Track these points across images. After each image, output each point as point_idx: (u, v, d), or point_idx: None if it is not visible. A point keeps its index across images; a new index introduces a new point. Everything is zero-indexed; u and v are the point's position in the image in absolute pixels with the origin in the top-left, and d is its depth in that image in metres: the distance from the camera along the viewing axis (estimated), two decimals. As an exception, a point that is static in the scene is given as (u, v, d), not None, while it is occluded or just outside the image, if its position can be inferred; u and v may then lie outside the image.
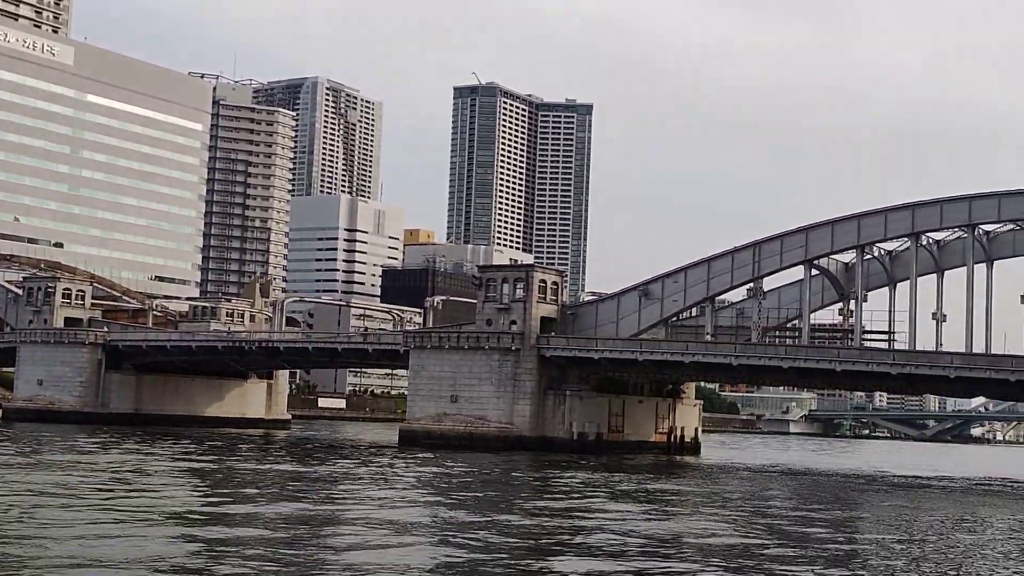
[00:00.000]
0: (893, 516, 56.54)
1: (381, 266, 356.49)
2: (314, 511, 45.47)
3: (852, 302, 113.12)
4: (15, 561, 29.26)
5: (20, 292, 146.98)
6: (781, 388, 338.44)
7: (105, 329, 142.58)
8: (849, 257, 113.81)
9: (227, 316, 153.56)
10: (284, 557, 31.84)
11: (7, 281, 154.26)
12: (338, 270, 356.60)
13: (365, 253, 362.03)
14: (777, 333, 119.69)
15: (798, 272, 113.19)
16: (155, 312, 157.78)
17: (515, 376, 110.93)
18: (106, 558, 30.64)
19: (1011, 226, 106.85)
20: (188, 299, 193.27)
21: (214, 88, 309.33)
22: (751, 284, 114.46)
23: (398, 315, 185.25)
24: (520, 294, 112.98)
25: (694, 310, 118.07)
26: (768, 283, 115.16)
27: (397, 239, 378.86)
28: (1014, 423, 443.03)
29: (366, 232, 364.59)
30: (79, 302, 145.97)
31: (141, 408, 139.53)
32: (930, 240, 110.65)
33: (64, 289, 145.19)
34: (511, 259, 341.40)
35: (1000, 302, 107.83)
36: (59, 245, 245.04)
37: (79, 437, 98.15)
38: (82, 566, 29.28)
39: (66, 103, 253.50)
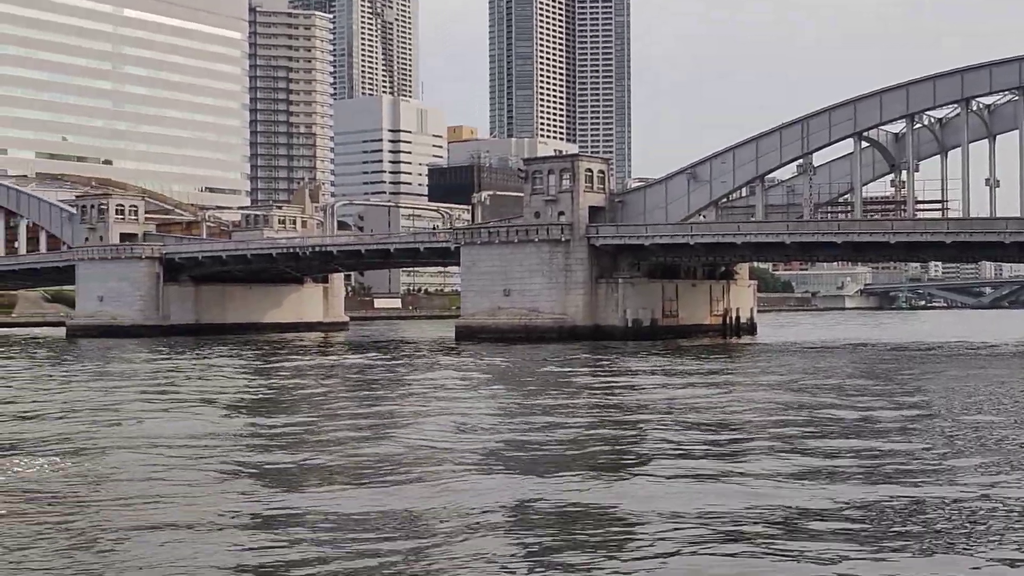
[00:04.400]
0: (954, 382, 56.72)
1: (426, 165, 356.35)
2: (380, 402, 46.27)
3: (904, 173, 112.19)
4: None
5: (74, 211, 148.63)
6: (835, 264, 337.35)
7: (160, 243, 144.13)
8: (899, 127, 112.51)
9: (279, 223, 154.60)
10: (355, 451, 32.63)
11: (60, 200, 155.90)
12: (384, 171, 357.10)
13: (410, 153, 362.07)
14: (829, 208, 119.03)
15: (848, 146, 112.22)
16: (208, 223, 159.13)
17: (566, 267, 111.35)
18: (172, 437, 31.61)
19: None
20: (240, 208, 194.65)
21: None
22: (800, 160, 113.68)
23: (446, 213, 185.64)
24: (567, 185, 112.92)
25: (744, 190, 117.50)
26: (818, 158, 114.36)
27: (441, 137, 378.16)
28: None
29: (410, 132, 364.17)
30: (132, 217, 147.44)
31: (201, 318, 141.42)
32: (980, 105, 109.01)
33: (117, 205, 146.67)
34: (556, 150, 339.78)
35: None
36: (108, 162, 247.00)
37: (156, 348, 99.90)
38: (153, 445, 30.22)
39: (105, 19, 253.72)
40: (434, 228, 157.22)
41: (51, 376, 67.43)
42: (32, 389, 57.17)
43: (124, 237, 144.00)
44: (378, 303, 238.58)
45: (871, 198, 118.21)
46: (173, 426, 39.28)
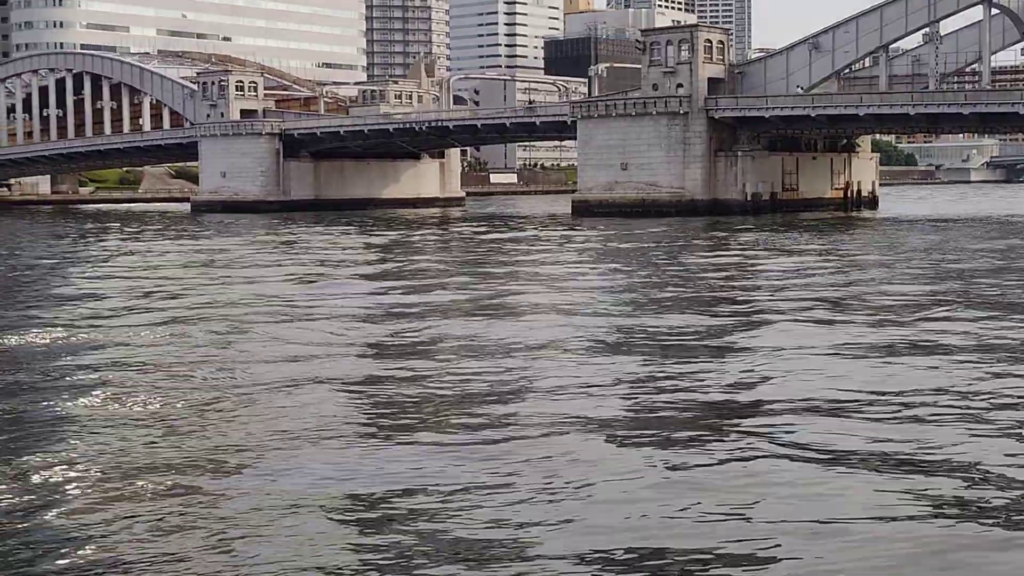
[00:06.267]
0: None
1: (542, 38, 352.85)
2: (499, 272, 46.86)
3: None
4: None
5: (195, 87, 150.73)
6: (960, 136, 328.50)
7: (279, 119, 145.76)
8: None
9: (395, 98, 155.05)
10: (472, 307, 33.33)
11: (182, 77, 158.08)
12: (500, 44, 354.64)
13: (526, 25, 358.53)
14: (956, 79, 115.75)
15: (977, 13, 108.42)
16: (326, 99, 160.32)
17: (684, 140, 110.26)
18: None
19: None
20: (356, 84, 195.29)
21: None
22: (926, 29, 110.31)
23: (563, 86, 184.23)
24: (685, 56, 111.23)
25: (867, 60, 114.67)
26: (945, 27, 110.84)
27: (557, 9, 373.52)
28: None
29: (525, 4, 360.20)
30: (252, 93, 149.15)
31: (320, 194, 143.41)
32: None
33: (237, 82, 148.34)
34: (674, 21, 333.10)
35: None
36: (227, 39, 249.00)
37: (291, 222, 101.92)
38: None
39: None
40: (531, 102, 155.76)
41: (191, 247, 69.39)
42: (171, 260, 58.97)
43: (244, 113, 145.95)
44: (494, 178, 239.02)
45: (1000, 67, 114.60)
46: (308, 292, 41.45)
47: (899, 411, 19.86)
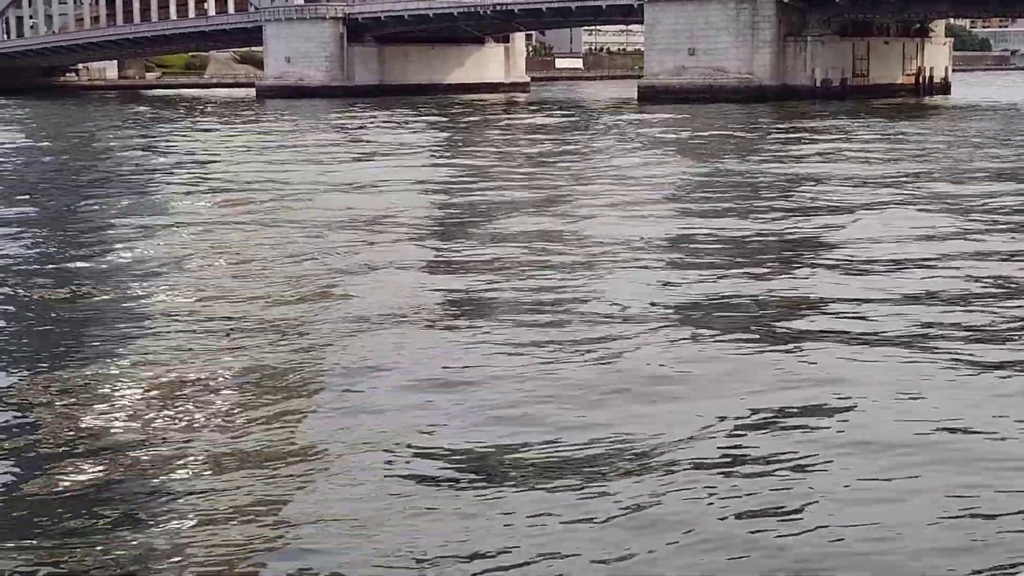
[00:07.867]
0: None
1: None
2: (569, 155, 46.91)
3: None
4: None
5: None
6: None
7: (344, 2, 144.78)
8: None
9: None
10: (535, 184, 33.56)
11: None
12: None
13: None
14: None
15: None
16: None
17: (753, 24, 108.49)
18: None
19: None
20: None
21: None
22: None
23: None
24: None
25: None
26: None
27: None
28: None
29: None
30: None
31: (385, 79, 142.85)
32: None
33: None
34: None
35: None
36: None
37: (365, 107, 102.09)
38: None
39: None
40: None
41: (262, 132, 70.06)
42: (261, 141, 59.63)
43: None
44: (559, 63, 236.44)
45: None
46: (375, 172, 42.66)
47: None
